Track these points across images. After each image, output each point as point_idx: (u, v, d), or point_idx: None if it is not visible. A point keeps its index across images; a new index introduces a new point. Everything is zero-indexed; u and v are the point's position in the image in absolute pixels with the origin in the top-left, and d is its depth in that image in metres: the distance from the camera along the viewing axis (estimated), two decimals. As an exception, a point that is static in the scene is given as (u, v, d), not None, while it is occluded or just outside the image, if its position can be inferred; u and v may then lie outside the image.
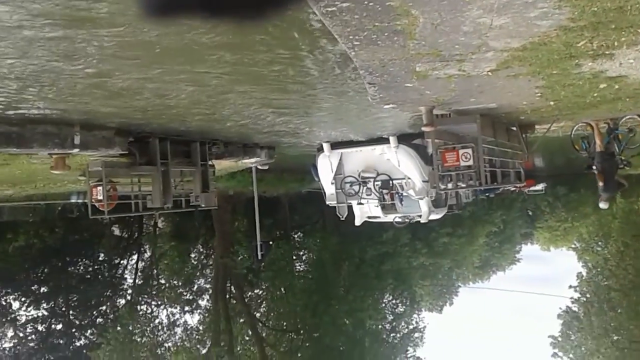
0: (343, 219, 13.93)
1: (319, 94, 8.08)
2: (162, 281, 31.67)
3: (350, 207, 13.78)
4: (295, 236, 32.94)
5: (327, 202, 13.74)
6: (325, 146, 12.96)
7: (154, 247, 31.58)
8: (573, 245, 38.71)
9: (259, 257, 18.44)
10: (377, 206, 13.20)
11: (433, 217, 14.11)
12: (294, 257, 31.30)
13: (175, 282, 31.62)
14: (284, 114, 9.82)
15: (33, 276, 27.37)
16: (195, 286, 32.19)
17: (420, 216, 13.42)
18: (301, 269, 31.91)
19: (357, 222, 14.21)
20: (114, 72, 6.30)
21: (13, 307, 26.91)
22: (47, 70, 6.01)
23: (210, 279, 31.08)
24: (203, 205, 11.84)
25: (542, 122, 10.17)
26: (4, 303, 26.90)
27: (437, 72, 5.28)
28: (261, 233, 22.23)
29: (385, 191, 12.69)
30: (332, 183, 13.27)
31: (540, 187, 30.88)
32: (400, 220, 13.91)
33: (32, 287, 27.13)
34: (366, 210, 13.71)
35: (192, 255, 32.64)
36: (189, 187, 11.75)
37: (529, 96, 6.92)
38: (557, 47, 4.63)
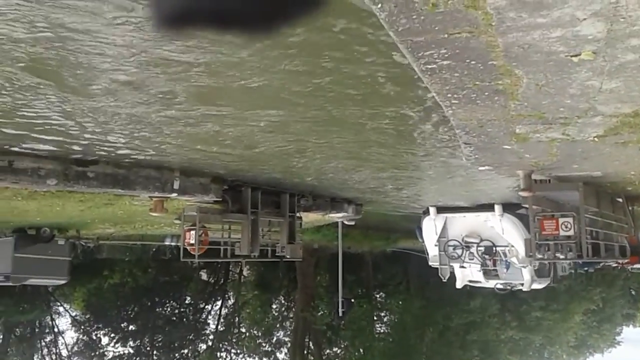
0: (445, 280, 14.17)
1: (422, 157, 8.15)
2: (243, 330, 31.92)
3: (452, 270, 14.04)
4: (378, 296, 32.25)
5: (430, 263, 14.16)
6: (432, 210, 13.50)
7: (238, 294, 32.06)
8: (682, 332, 35.14)
9: (340, 314, 18.19)
10: (479, 271, 13.49)
11: (535, 286, 14.20)
12: (375, 318, 30.57)
13: (255, 331, 31.78)
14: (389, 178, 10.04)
15: (123, 314, 28.46)
16: (275, 338, 32.16)
17: (522, 284, 13.62)
18: (382, 331, 31.05)
19: (459, 285, 14.48)
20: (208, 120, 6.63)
21: (102, 342, 28.07)
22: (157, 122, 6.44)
23: (289, 332, 30.96)
24: (288, 256, 11.93)
25: (651, 195, 9.50)
26: (94, 337, 28.13)
27: (538, 135, 5.07)
28: (343, 290, 22.00)
29: (487, 257, 12.92)
30: (435, 245, 13.66)
31: (646, 265, 28.51)
32: (501, 287, 14.25)
33: (122, 325, 28.20)
34: (468, 274, 13.99)
35: (274, 306, 32.77)
36: (275, 238, 11.91)
37: (638, 166, 6.49)
38: (673, 115, 4.34)
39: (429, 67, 3.46)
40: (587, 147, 5.49)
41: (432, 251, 13.85)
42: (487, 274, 13.55)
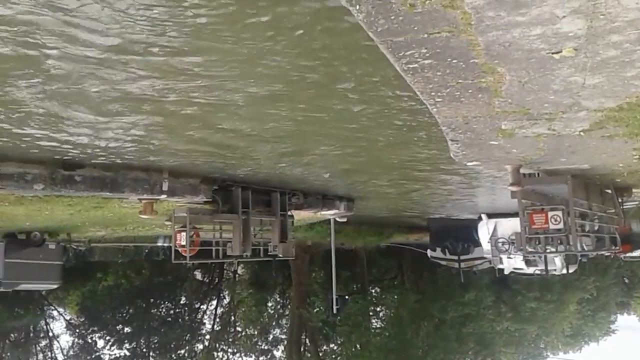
0: (496, 268, 18.43)
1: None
2: (239, 329, 31.87)
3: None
4: (373, 291, 32.25)
5: (484, 255, 18.76)
6: (484, 216, 17.52)
7: (233, 293, 31.98)
8: (676, 319, 35.34)
9: (335, 312, 18.34)
10: (522, 261, 16.73)
11: (565, 271, 17.87)
12: (371, 313, 30.54)
13: (251, 330, 31.73)
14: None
15: (118, 316, 28.34)
16: (271, 336, 32.14)
17: (555, 270, 17.09)
18: (378, 326, 31.03)
19: (506, 272, 18.56)
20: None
21: (98, 345, 27.95)
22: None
23: (285, 330, 30.94)
24: (281, 255, 11.90)
25: (640, 186, 9.52)
26: (89, 341, 28.01)
27: (524, 131, 5.06)
28: (338, 286, 21.95)
29: None
30: (488, 242, 17.36)
31: (638, 253, 28.72)
32: (539, 272, 17.79)
33: (117, 327, 28.07)
34: (512, 263, 17.52)
35: (269, 304, 32.72)
36: (267, 237, 11.89)
37: (625, 158, 6.48)
38: (658, 108, 4.33)
39: (411, 66, 3.43)
40: (573, 141, 5.48)
41: (486, 247, 17.73)
42: (528, 262, 16.83)
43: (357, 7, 2.72)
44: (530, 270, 17.61)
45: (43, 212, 10.40)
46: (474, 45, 3.18)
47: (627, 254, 26.21)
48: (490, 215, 17.31)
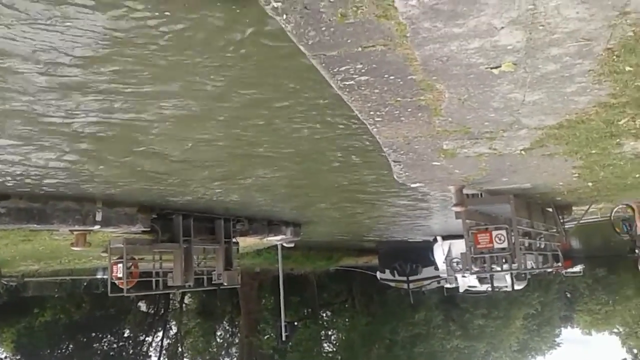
0: (445, 287, 20.73)
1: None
2: (187, 360, 30.84)
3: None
4: (324, 315, 31.95)
5: (436, 275, 20.37)
6: (439, 238, 18.46)
7: (180, 324, 31.01)
8: (616, 330, 36.54)
9: (284, 339, 17.98)
10: (476, 279, 17.49)
11: (516, 287, 18.34)
12: (323, 337, 30.23)
13: (199, 361, 30.77)
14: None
15: (58, 352, 26.97)
16: (221, 366, 31.27)
17: (506, 286, 17.44)
18: (330, 350, 30.70)
19: (461, 290, 19.86)
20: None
21: (36, 385, 26.38)
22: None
23: (235, 359, 30.15)
24: (225, 284, 11.47)
25: (579, 204, 9.67)
26: (27, 381, 26.40)
27: (465, 150, 4.96)
28: (288, 312, 21.49)
29: None
30: (443, 262, 18.29)
31: (578, 268, 29.65)
32: (490, 289, 18.09)
33: (56, 365, 26.66)
34: (467, 281, 18.64)
35: (218, 333, 31.88)
36: (211, 265, 11.44)
37: (565, 177, 6.51)
38: (597, 125, 4.29)
39: (347, 83, 3.24)
40: (514, 160, 5.42)
41: (442, 267, 18.73)
42: (481, 280, 17.59)
43: (284, 16, 2.50)
44: (484, 287, 18.45)
45: (-35, 247, 9.66)
46: (410, 60, 3.02)
47: (568, 270, 26.98)
48: (445, 237, 18.14)
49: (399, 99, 3.53)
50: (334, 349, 30.62)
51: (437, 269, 20.05)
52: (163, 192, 8.62)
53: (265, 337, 27.08)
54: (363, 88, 3.32)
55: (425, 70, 3.12)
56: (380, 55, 2.94)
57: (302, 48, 2.83)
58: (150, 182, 7.95)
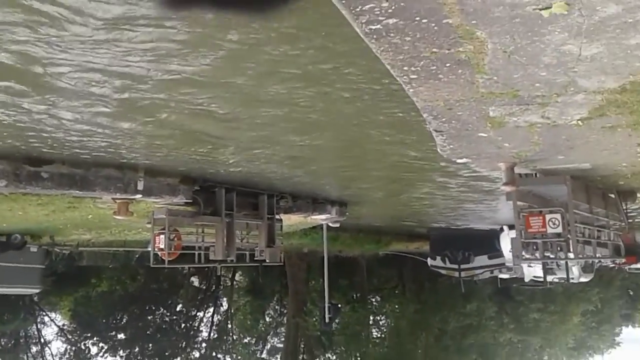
0: (516, 275, 19.89)
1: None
2: (236, 337, 31.30)
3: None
4: (373, 300, 31.66)
5: (506, 264, 19.77)
6: (505, 227, 18.33)
7: (230, 301, 31.45)
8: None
9: (327, 320, 17.78)
10: (541, 269, 16.77)
11: (582, 279, 18.15)
12: (371, 323, 29.97)
13: (248, 338, 31.16)
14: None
15: (112, 323, 27.82)
16: (269, 345, 31.58)
17: (572, 278, 16.70)
18: (378, 336, 30.46)
19: (526, 279, 19.35)
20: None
21: (91, 352, 27.39)
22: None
23: (282, 339, 30.38)
24: (268, 261, 11.34)
25: (646, 190, 8.90)
26: (82, 347, 27.45)
27: (515, 119, 4.49)
28: (336, 295, 21.23)
29: None
30: (509, 252, 16.96)
31: (642, 265, 28.13)
32: (557, 280, 17.93)
33: (111, 334, 27.54)
34: (532, 271, 18.16)
35: (267, 312, 32.16)
36: (254, 241, 11.32)
37: (629, 156, 5.88)
38: (668, 91, 3.77)
39: (373, 27, 2.88)
40: (571, 133, 4.91)
41: (508, 256, 18.28)
42: (547, 271, 16.73)
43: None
44: (549, 278, 17.86)
45: (16, 212, 9.88)
46: (444, -1, 2.64)
47: (632, 266, 25.56)
48: (511, 227, 17.79)
49: (434, 49, 3.15)
50: (382, 335, 30.35)
51: (501, 256, 19.85)
52: (205, 160, 8.41)
53: (313, 319, 27.09)
54: (392, 34, 2.96)
55: (462, 11, 2.73)
56: (407, -9, 2.58)
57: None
58: (197, 145, 7.71)
